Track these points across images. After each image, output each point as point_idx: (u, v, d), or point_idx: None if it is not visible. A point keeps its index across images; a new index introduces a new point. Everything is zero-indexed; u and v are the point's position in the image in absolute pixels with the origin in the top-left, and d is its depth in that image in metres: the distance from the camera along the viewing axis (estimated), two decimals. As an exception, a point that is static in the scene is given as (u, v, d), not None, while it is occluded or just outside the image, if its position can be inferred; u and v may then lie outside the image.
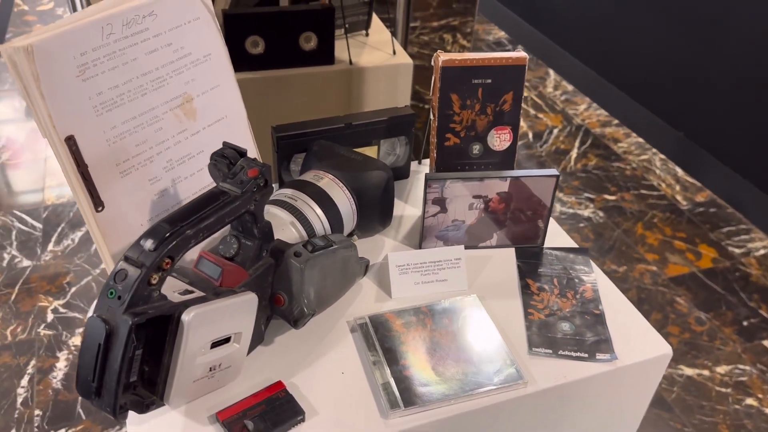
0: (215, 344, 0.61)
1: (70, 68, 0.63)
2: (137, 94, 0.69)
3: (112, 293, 0.55)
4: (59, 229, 1.93)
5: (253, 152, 0.82)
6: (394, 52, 1.27)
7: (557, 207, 2.17)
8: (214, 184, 0.65)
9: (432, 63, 0.83)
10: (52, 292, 1.74)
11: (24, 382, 1.53)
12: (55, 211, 1.99)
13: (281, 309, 0.68)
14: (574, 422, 0.75)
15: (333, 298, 0.74)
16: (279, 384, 0.67)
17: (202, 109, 0.76)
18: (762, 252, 2.02)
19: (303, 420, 0.64)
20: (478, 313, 0.75)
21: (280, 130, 0.85)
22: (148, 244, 0.56)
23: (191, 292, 0.62)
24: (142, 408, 0.59)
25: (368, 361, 0.70)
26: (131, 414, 0.64)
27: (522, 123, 2.58)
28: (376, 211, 0.82)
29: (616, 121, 2.60)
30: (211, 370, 0.62)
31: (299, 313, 0.68)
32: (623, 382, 0.73)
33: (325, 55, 1.20)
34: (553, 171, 0.80)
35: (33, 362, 1.57)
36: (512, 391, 0.68)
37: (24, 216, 1.97)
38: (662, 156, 2.42)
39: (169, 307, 0.57)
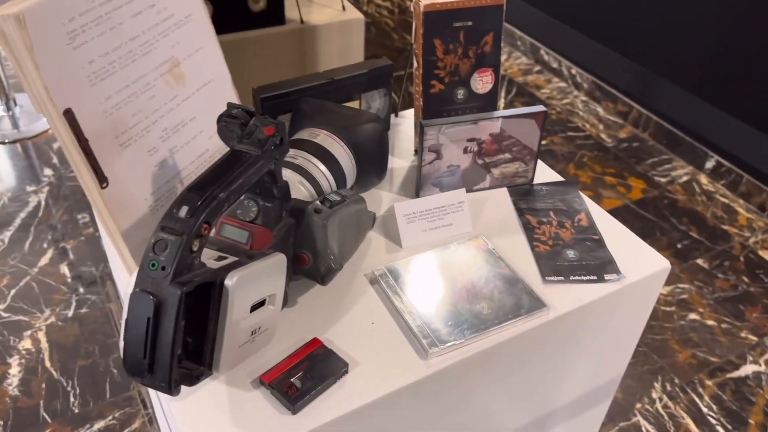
0: (253, 308, 0.60)
1: (61, 36, 0.58)
2: (127, 60, 0.65)
3: (154, 265, 0.52)
4: (-15, 230, 1.80)
5: (241, 116, 0.80)
6: (344, 8, 1.25)
7: (493, 156, 2.22)
8: (208, 152, 0.63)
9: (412, 9, 0.83)
10: (-9, 296, 1.63)
11: (-23, 393, 1.44)
12: (-22, 212, 1.86)
13: (306, 268, 0.68)
14: (589, 343, 0.79)
15: (350, 251, 0.74)
16: (316, 341, 0.66)
17: (190, 73, 0.72)
18: (685, 179, 2.16)
19: (347, 372, 0.64)
20: (489, 252, 0.77)
21: (262, 92, 0.82)
22: (183, 211, 0.54)
23: (224, 258, 0.60)
24: (192, 380, 0.58)
25: (394, 308, 0.71)
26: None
27: (447, 77, 2.61)
28: (372, 163, 0.82)
29: (537, 68, 2.68)
30: (252, 334, 0.61)
31: (326, 269, 0.67)
32: (630, 298, 0.78)
33: (275, 15, 1.17)
34: (541, 107, 0.82)
35: (-17, 372, 1.47)
36: (537, 318, 0.71)
37: (-57, 220, 1.82)
38: (583, 98, 2.52)
39: (211, 273, 0.55)
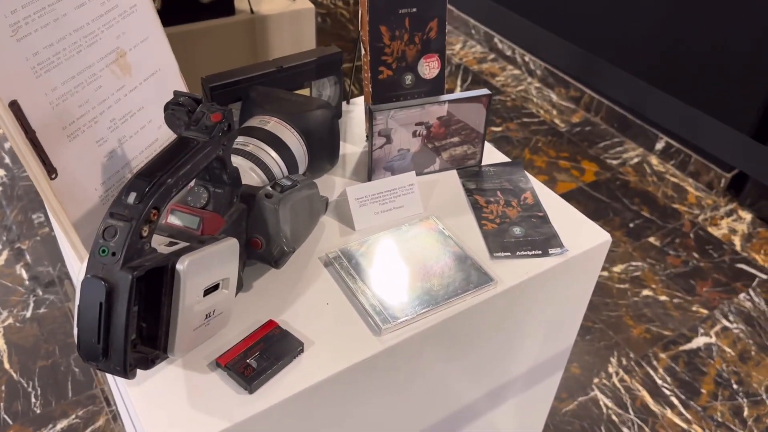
0: (207, 291, 0.61)
1: (3, 28, 0.59)
2: (72, 51, 0.65)
3: (104, 251, 0.53)
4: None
5: (191, 105, 0.81)
6: (294, -1, 1.26)
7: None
8: (157, 141, 0.64)
9: (357, -2, 0.84)
10: (-55, 300, 1.60)
11: (-66, 398, 1.41)
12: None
13: (259, 252, 0.69)
14: (537, 315, 0.82)
15: (304, 235, 0.75)
16: (271, 323, 0.68)
17: (136, 63, 0.73)
18: (636, 161, 2.22)
19: (302, 351, 0.66)
20: (439, 231, 0.80)
21: (211, 81, 0.83)
22: (132, 197, 0.55)
23: (176, 243, 0.61)
24: (148, 363, 0.59)
25: (348, 289, 0.73)
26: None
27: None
28: (324, 149, 0.84)
29: (491, 56, 2.72)
30: (206, 318, 0.62)
31: (279, 252, 0.69)
32: (574, 270, 0.81)
33: (224, 6, 1.17)
34: (485, 90, 0.85)
35: (-60, 376, 1.45)
36: (486, 292, 0.73)
37: None
38: (537, 85, 2.57)
39: (162, 258, 0.56)
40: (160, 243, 0.61)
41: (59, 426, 1.37)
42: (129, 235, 0.53)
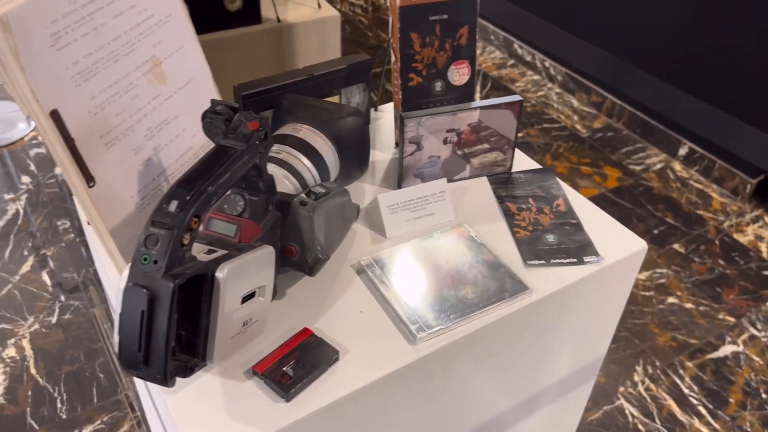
0: (244, 299, 0.61)
1: (44, 38, 0.59)
2: (110, 60, 0.66)
3: (146, 259, 0.53)
4: (-36, 240, 1.78)
5: (223, 113, 0.81)
6: (319, 6, 1.26)
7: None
8: (192, 150, 0.64)
9: (388, 4, 0.84)
10: (-27, 305, 1.62)
11: (-38, 403, 1.43)
12: (-45, 222, 1.84)
13: (294, 260, 0.69)
14: (571, 324, 0.82)
15: (336, 242, 0.75)
16: (306, 330, 0.68)
17: (171, 72, 0.73)
18: (659, 166, 2.20)
19: (338, 359, 0.66)
20: (471, 239, 0.79)
21: (243, 89, 0.83)
22: (173, 206, 0.55)
23: (214, 251, 0.61)
24: (186, 371, 0.59)
25: (381, 296, 0.72)
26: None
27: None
28: (354, 156, 0.84)
29: (511, 62, 2.71)
30: (244, 325, 0.62)
31: (314, 260, 0.69)
32: (609, 279, 0.80)
33: (251, 14, 1.18)
34: (517, 97, 0.85)
35: (-32, 381, 1.47)
36: (520, 300, 0.73)
37: None
38: (558, 90, 2.56)
39: (202, 265, 0.56)
40: (198, 251, 0.61)
41: (84, 431, 1.38)
42: (171, 243, 0.54)
